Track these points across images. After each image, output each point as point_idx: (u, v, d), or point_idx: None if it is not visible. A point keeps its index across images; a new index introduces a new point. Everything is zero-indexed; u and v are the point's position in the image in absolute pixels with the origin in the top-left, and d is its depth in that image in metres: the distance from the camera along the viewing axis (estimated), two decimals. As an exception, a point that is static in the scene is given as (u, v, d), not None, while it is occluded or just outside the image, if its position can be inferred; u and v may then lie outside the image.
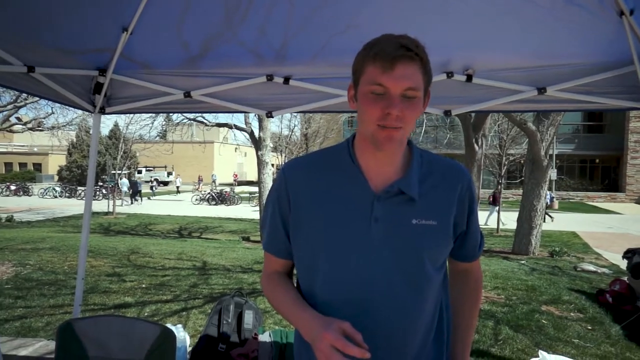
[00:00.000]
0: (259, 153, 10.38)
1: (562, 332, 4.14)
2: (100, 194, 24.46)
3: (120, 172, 20.42)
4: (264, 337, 2.44)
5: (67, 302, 4.72)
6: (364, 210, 0.96)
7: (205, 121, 11.13)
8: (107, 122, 39.90)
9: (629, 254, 5.32)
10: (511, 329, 4.13)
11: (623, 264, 5.66)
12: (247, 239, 11.11)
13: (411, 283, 0.97)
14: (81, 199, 24.39)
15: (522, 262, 8.36)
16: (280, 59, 2.01)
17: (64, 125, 15.39)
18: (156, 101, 2.20)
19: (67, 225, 13.30)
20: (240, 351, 2.37)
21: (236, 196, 23.12)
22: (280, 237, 1.07)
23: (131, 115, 18.31)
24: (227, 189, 25.82)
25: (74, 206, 19.89)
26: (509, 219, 13.46)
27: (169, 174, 39.80)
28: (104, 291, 5.17)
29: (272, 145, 11.64)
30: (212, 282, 5.64)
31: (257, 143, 10.49)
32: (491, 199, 14.78)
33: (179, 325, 2.66)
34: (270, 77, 2.05)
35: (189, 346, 2.67)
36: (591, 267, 8.04)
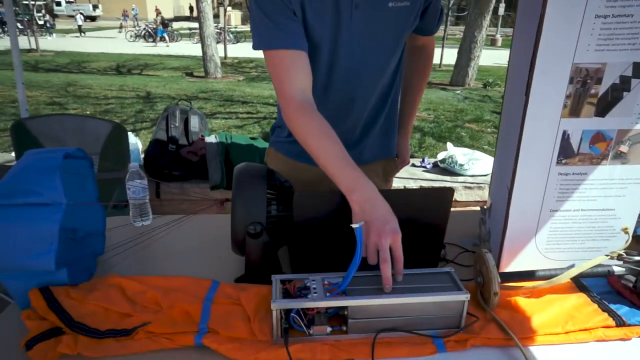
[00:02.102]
0: (195, -23, 9.41)
1: (476, 141, 4.81)
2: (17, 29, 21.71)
3: (33, 1, 17.93)
4: (210, 139, 2.70)
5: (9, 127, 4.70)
6: None
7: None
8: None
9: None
10: (434, 139, 4.73)
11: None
12: (190, 74, 10.81)
13: (385, 59, 1.09)
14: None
15: (457, 92, 8.93)
16: None
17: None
18: None
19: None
20: (189, 149, 2.64)
21: (175, 32, 21.46)
22: (294, 25, 0.97)
23: None
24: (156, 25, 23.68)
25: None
26: (454, 56, 13.78)
27: (95, 7, 35.42)
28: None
29: (208, -32, 10.47)
30: (158, 108, 5.71)
31: (191, -35, 9.42)
32: None
33: (130, 133, 2.83)
34: None
35: (141, 152, 2.90)
36: (517, 95, 8.75)
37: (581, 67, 0.84)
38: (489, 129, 5.53)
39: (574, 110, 0.87)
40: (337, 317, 0.85)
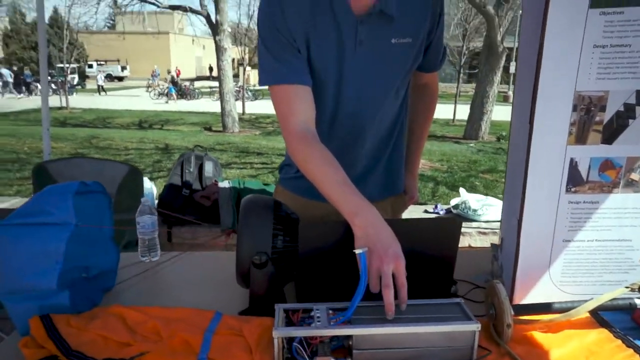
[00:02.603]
0: (217, 38, 10.00)
1: (490, 190, 4.78)
2: (50, 89, 23.07)
3: (68, 65, 19.13)
4: (224, 184, 2.74)
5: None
6: (350, 35, 1.01)
7: (156, 2, 10.40)
8: (45, 4, 35.56)
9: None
10: (447, 188, 4.71)
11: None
12: (208, 129, 11.17)
13: (390, 94, 1.11)
14: (28, 95, 22.99)
15: (471, 145, 8.99)
16: None
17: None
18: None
19: (18, 119, 12.84)
20: (202, 194, 2.67)
21: (196, 90, 22.53)
22: (298, 61, 1.00)
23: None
24: (187, 83, 24.94)
25: (18, 101, 18.85)
26: (466, 112, 14.03)
27: (123, 68, 37.56)
28: (69, 169, 5.33)
29: (229, 31, 11.15)
30: (175, 158, 5.87)
31: (214, 27, 10.05)
32: None
33: (146, 178, 2.90)
34: None
35: (156, 197, 2.94)
36: (531, 148, 8.77)
37: (584, 95, 0.84)
38: (503, 179, 5.48)
39: (579, 138, 0.87)
40: (342, 350, 0.81)
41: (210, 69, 38.94)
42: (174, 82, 22.99)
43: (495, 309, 0.86)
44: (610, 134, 0.86)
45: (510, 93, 21.87)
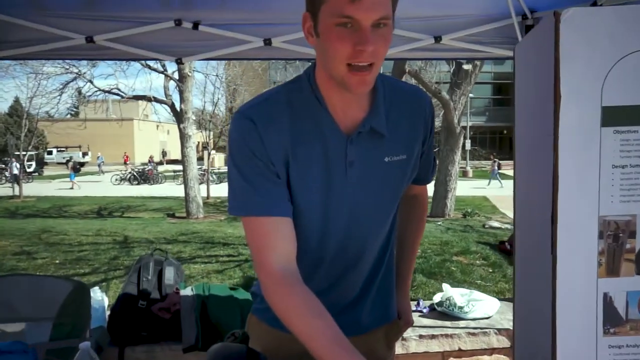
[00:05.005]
0: (182, 126, 10.03)
1: (468, 275, 4.64)
2: (3, 178, 22.17)
3: (25, 152, 18.59)
4: (186, 292, 2.46)
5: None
6: (338, 155, 0.91)
7: (120, 93, 10.47)
8: (4, 96, 35.30)
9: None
10: (425, 276, 4.55)
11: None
12: (172, 215, 10.78)
13: (381, 215, 0.99)
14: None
15: (439, 223, 9.03)
16: (188, 3, 1.99)
17: None
18: (53, 46, 2.05)
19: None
20: (161, 305, 2.37)
21: (159, 175, 22.24)
22: (277, 189, 0.89)
23: (34, 87, 16.42)
24: (149, 167, 24.66)
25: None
26: (430, 190, 14.28)
27: (84, 154, 37.04)
28: (10, 269, 4.82)
29: (194, 118, 11.27)
30: (135, 254, 5.48)
31: (178, 115, 10.12)
32: None
33: (96, 288, 2.58)
34: (178, 22, 2.01)
35: (108, 307, 2.60)
36: (497, 224, 8.93)
37: (609, 220, 0.73)
38: (477, 261, 5.43)
39: (611, 269, 0.74)
40: None
41: (164, 154, 39.02)
42: (75, 169, 22.42)
43: None
44: (646, 264, 0.74)
45: (469, 169, 22.87)
